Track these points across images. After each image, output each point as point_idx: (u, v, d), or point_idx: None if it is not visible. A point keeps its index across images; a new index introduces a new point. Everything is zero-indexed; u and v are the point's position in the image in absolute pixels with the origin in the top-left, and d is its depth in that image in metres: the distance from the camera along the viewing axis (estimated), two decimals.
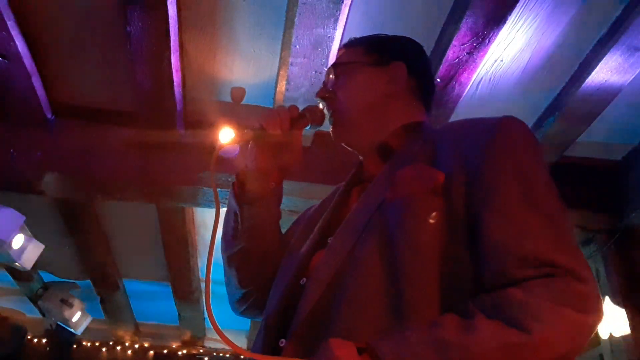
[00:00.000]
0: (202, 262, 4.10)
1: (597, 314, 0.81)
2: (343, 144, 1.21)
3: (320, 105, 1.22)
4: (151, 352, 5.29)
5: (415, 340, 0.78)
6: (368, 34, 1.28)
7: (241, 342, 5.27)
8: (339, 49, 1.29)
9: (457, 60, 2.32)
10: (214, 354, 5.30)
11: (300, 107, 1.19)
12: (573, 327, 0.79)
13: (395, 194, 0.96)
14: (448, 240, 0.88)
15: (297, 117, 1.14)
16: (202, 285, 4.35)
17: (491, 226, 0.86)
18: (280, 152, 1.15)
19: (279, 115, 1.11)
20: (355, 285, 0.89)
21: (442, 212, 0.90)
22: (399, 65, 1.18)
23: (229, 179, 3.04)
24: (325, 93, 1.22)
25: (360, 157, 1.20)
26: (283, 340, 0.93)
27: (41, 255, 3.26)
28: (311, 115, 1.17)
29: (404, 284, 0.86)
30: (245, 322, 4.67)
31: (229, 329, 5.05)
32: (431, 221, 0.90)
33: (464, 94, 2.52)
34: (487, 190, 0.89)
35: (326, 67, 2.34)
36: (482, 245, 0.86)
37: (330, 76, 1.22)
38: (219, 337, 0.97)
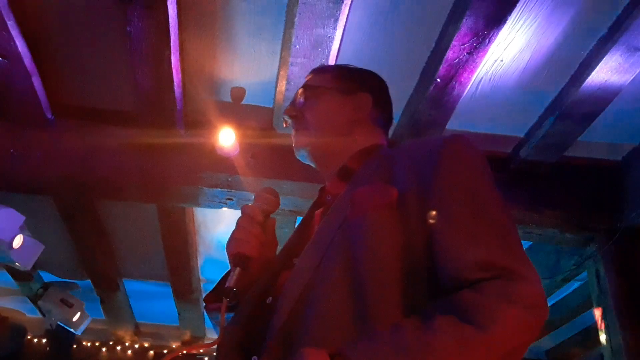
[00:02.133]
0: (202, 262, 4.11)
1: (543, 310, 0.88)
2: (306, 161, 1.29)
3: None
4: (151, 352, 5.29)
5: (379, 344, 0.84)
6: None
7: None
8: (309, 72, 1.38)
9: (457, 60, 2.32)
10: (214, 354, 5.29)
11: None
12: (522, 324, 0.86)
13: (355, 212, 1.02)
14: (406, 251, 0.95)
15: (263, 220, 1.17)
16: (202, 285, 4.36)
17: (443, 235, 0.94)
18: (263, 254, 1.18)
19: (252, 235, 1.13)
20: (322, 300, 0.94)
21: (398, 226, 0.97)
22: (365, 96, 1.28)
23: (229, 179, 3.05)
24: (293, 112, 1.30)
25: (326, 182, 1.26)
26: (255, 357, 0.97)
27: (41, 255, 3.26)
28: (269, 206, 1.19)
29: (367, 295, 0.92)
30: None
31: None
32: (388, 234, 0.96)
33: (464, 94, 2.52)
34: (437, 203, 0.97)
35: None
36: (437, 253, 0.93)
37: (299, 97, 1.30)
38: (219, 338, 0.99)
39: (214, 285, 1.24)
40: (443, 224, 0.95)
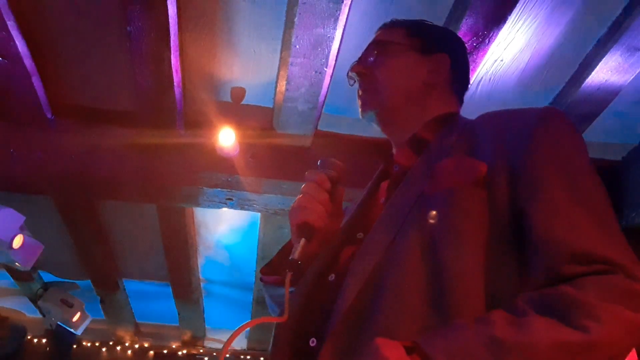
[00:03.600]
0: (202, 262, 4.10)
1: None
2: (374, 124, 1.17)
3: (357, 93, 1.17)
4: (151, 352, 5.29)
5: (466, 339, 0.75)
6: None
7: (241, 342, 5.27)
8: (378, 28, 1.24)
9: None
10: (214, 354, 5.29)
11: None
12: (628, 327, 0.76)
13: (435, 187, 0.92)
14: (492, 233, 0.86)
15: (331, 187, 1.06)
16: (202, 285, 4.36)
17: (539, 221, 0.84)
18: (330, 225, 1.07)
19: (319, 203, 1.03)
20: (395, 281, 0.85)
21: (484, 204, 0.87)
22: (443, 57, 1.16)
23: (229, 179, 3.04)
24: (362, 69, 1.17)
25: (394, 150, 1.16)
26: (314, 339, 0.89)
27: (41, 255, 3.26)
28: (337, 172, 1.08)
29: (446, 279, 0.83)
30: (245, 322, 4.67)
31: (228, 328, 5.04)
32: (474, 214, 0.87)
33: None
34: (532, 184, 0.86)
35: (326, 67, 2.34)
36: (529, 240, 0.83)
37: (369, 53, 1.18)
38: (218, 337, 0.94)
39: (272, 257, 1.16)
40: (538, 209, 0.84)
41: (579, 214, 0.83)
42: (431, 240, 0.87)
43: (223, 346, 0.88)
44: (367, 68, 1.17)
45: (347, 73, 1.21)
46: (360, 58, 1.21)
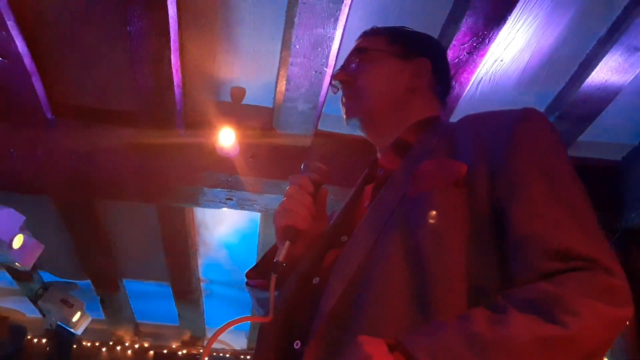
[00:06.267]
0: (202, 262, 4.11)
1: (629, 307, 0.79)
2: (356, 131, 1.19)
3: (343, 107, 1.19)
4: (151, 352, 5.29)
5: (447, 336, 0.76)
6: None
7: (241, 342, 5.27)
8: (359, 36, 1.26)
9: (457, 60, 2.32)
10: (214, 353, 5.29)
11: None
12: (607, 321, 0.77)
13: (417, 189, 0.94)
14: (473, 233, 0.87)
15: (314, 190, 1.07)
16: (202, 285, 4.36)
17: (518, 220, 0.85)
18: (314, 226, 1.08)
19: (302, 206, 1.04)
20: (378, 282, 0.86)
21: (465, 205, 0.89)
22: (424, 62, 1.18)
23: (229, 179, 3.04)
24: (344, 76, 1.19)
25: (378, 155, 1.18)
26: (298, 342, 0.90)
27: (41, 255, 3.26)
28: (320, 175, 1.09)
29: (428, 279, 0.84)
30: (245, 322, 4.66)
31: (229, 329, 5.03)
32: (455, 214, 0.88)
33: (464, 94, 2.52)
34: (512, 183, 0.88)
35: (326, 67, 2.34)
36: (509, 238, 0.85)
37: (351, 60, 1.20)
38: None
39: (256, 262, 1.17)
40: (517, 207, 0.85)
41: (557, 212, 0.85)
42: (413, 241, 0.88)
43: (205, 346, 0.89)
44: (349, 75, 1.18)
45: (330, 82, 1.22)
46: (342, 66, 1.23)
